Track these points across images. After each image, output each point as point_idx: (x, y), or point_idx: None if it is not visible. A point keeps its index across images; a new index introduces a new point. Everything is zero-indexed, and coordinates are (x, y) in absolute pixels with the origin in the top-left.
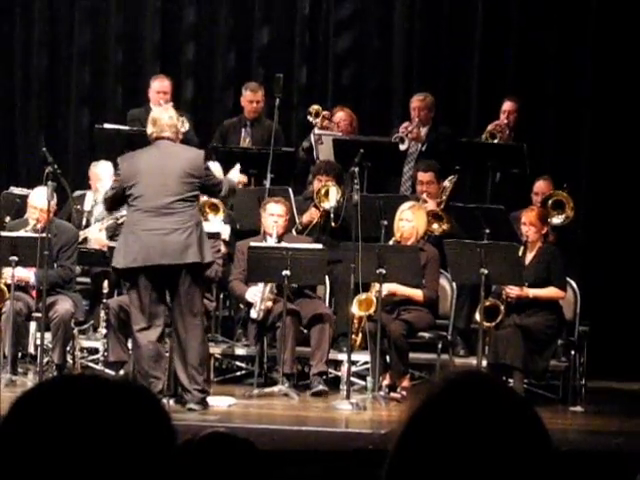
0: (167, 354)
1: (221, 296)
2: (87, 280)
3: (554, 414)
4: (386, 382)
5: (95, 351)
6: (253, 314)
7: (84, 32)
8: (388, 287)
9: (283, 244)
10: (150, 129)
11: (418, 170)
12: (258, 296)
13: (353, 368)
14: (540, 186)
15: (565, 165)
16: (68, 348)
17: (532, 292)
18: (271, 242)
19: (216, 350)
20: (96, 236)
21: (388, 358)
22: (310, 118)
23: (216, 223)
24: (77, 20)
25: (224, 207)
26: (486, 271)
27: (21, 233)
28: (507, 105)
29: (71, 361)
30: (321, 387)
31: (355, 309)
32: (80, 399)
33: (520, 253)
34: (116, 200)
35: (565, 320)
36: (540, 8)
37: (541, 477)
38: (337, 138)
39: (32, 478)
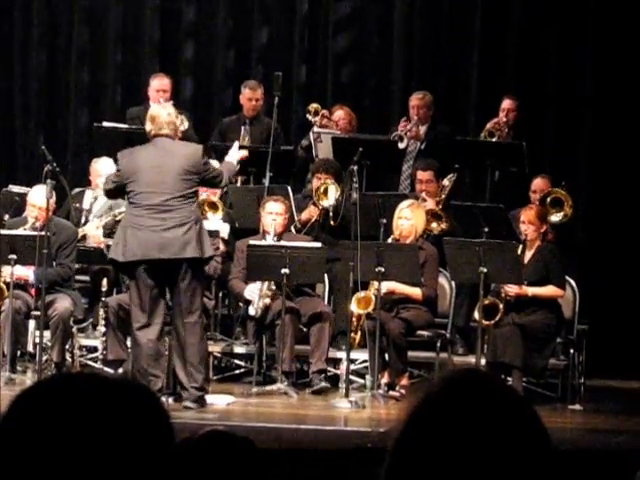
0: (166, 352)
1: (220, 294)
2: (86, 278)
3: (553, 413)
4: (385, 380)
5: (94, 349)
6: (251, 311)
7: (83, 31)
8: (387, 285)
9: (282, 242)
10: (148, 126)
11: (417, 168)
12: (256, 293)
13: (352, 366)
14: (538, 184)
15: (564, 164)
16: (67, 346)
17: (531, 290)
18: (270, 240)
19: (215, 348)
20: (93, 233)
21: (387, 356)
22: (309, 116)
23: (215, 221)
24: (76, 19)
25: (223, 205)
26: (485, 269)
27: (20, 231)
28: (506, 103)
29: (70, 359)
30: (323, 384)
31: (354, 307)
32: (79, 397)
33: (519, 251)
34: (117, 191)
35: (564, 318)
36: (540, 8)
37: (540, 476)
38: (336, 136)
39: (32, 476)
